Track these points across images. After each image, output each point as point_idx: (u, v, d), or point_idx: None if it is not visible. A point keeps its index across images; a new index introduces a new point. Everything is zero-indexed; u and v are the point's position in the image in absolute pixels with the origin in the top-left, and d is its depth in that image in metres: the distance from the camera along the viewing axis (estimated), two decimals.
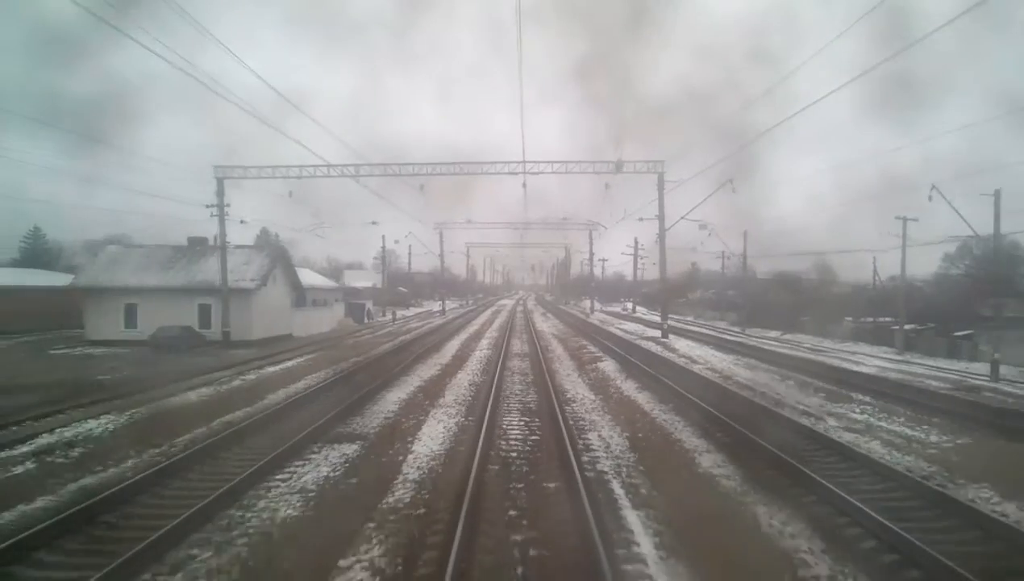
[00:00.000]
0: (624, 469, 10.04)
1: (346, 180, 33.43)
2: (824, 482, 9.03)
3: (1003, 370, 26.92)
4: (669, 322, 36.48)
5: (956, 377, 23.98)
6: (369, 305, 57.29)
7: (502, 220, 59.75)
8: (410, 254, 71.44)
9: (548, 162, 31.58)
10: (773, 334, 47.24)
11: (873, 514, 7.85)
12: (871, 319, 46.54)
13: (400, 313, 60.97)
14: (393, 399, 16.35)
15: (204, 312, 34.25)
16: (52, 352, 30.61)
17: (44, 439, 12.73)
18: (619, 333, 37.83)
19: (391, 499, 8.58)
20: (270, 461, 10.21)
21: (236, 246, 35.95)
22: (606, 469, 10.05)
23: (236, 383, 19.86)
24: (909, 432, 13.33)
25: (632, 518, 7.93)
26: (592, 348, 30.32)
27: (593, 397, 16.93)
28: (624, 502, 8.51)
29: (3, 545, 7.02)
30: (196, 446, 11.34)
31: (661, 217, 33.47)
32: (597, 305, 72.21)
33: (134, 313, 34.14)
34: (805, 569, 6.69)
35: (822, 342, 42.21)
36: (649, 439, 12.24)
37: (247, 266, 35.59)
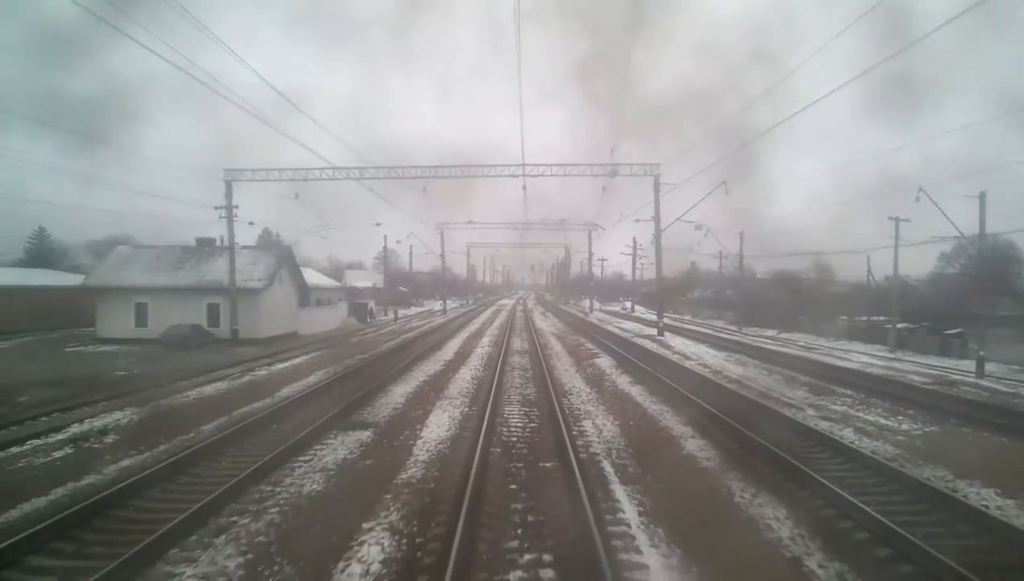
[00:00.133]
0: (614, 452, 11.03)
1: (347, 181, 34.44)
2: (793, 462, 9.99)
3: (991, 367, 27.86)
4: (668, 321, 37.46)
5: (939, 373, 24.91)
6: (371, 304, 58.27)
7: (502, 219, 60.87)
8: (411, 254, 72.41)
9: (547, 165, 32.56)
10: (770, 333, 48.19)
11: (835, 488, 8.81)
12: (865, 318, 47.48)
13: (402, 312, 61.92)
14: (400, 392, 17.33)
15: (213, 311, 35.21)
16: (67, 350, 31.58)
17: (75, 428, 13.67)
18: (617, 331, 38.80)
19: (404, 476, 9.56)
20: (291, 446, 11.17)
21: (243, 247, 36.95)
22: (598, 451, 11.03)
23: (248, 378, 20.82)
24: (882, 421, 14.29)
25: (620, 492, 8.91)
26: (590, 345, 31.30)
27: (589, 390, 17.90)
28: (613, 478, 9.49)
29: (64, 515, 7.98)
30: (222, 433, 12.31)
31: (657, 219, 34.42)
32: (596, 304, 73.21)
33: (144, 312, 35.11)
34: (769, 532, 7.66)
35: (817, 340, 43.13)
36: (639, 426, 13.23)
37: (254, 266, 36.58)
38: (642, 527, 7.67)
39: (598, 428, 12.93)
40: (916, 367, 27.73)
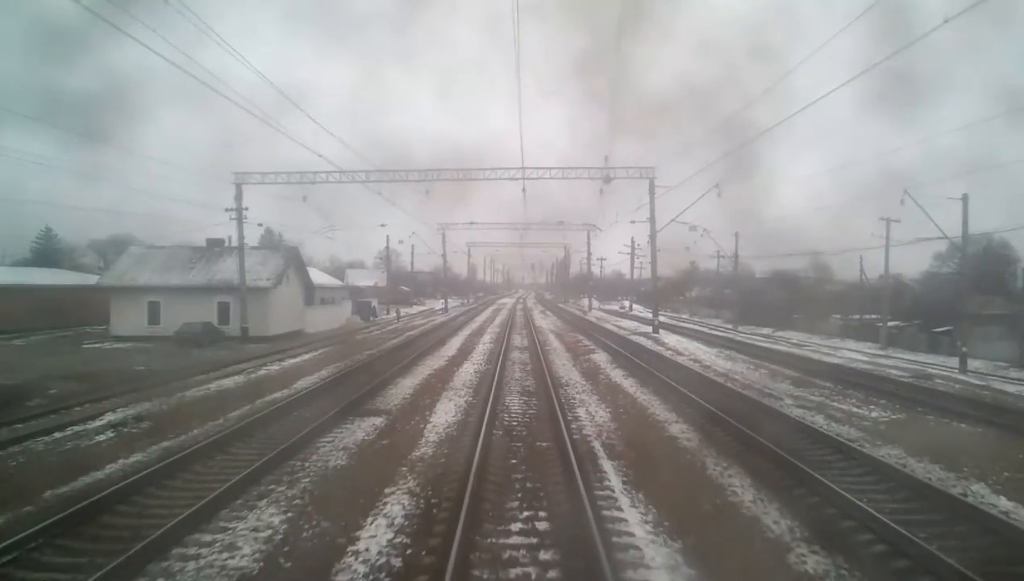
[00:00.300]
0: (604, 433, 12.28)
1: (347, 182, 35.64)
2: (764, 442, 11.20)
3: (976, 364, 28.99)
4: (665, 319, 38.67)
5: (919, 368, 26.15)
6: (374, 303, 59.54)
7: (502, 218, 62.21)
8: (413, 253, 73.72)
9: (546, 169, 33.82)
10: (765, 331, 49.37)
11: (798, 464, 10.02)
12: (858, 316, 48.68)
13: (404, 311, 63.18)
14: (408, 384, 18.57)
15: (223, 309, 36.43)
16: (83, 347, 32.81)
17: (110, 416, 14.85)
18: (614, 329, 40.05)
19: (417, 453, 10.82)
20: (313, 429, 12.37)
21: (252, 247, 38.17)
22: (589, 433, 12.28)
23: (263, 372, 22.07)
24: (854, 410, 15.52)
25: (607, 465, 10.15)
26: (587, 342, 32.54)
27: (584, 382, 19.15)
28: (602, 455, 10.74)
29: (128, 481, 9.21)
30: (249, 418, 13.53)
31: (652, 221, 35.65)
32: (595, 303, 74.50)
33: (157, 310, 36.32)
34: (733, 496, 8.90)
35: (810, 338, 44.27)
36: (629, 413, 14.48)
37: (263, 266, 37.83)
38: (625, 492, 8.90)
39: (591, 414, 14.17)
40: (901, 363, 28.88)
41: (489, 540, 7.22)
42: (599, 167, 34.32)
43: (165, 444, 12.03)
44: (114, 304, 36.78)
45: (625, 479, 9.47)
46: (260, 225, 37.31)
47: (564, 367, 22.79)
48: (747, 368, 23.17)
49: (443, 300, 71.22)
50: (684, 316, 70.11)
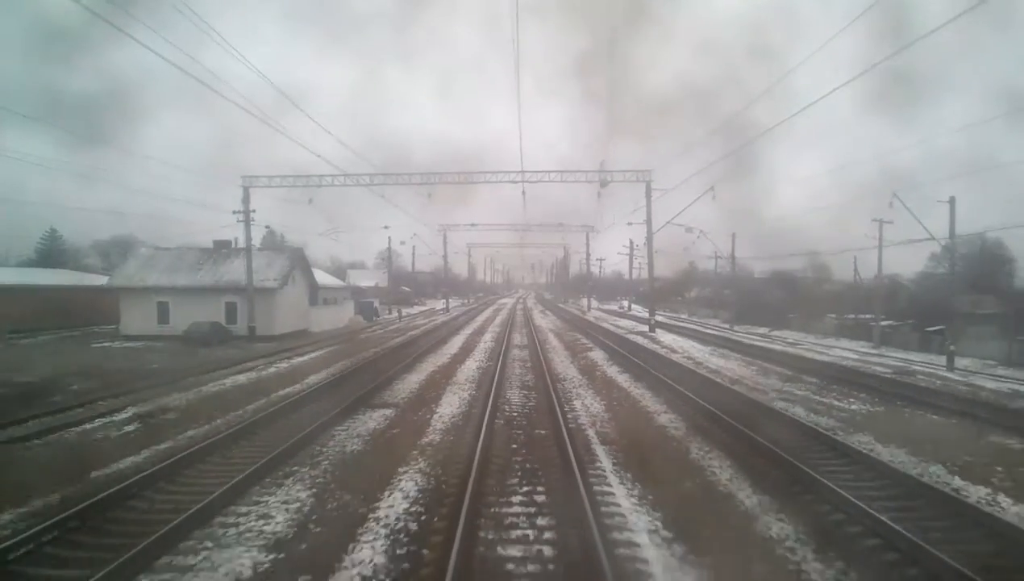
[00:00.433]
0: (598, 423, 13.26)
1: (352, 185, 36.66)
2: (744, 430, 12.16)
3: (966, 362, 29.82)
4: (663, 319, 39.64)
5: (904, 365, 27.09)
6: (376, 303, 60.53)
7: (502, 219, 63.36)
8: (414, 254, 74.73)
9: (545, 172, 34.77)
10: (761, 330, 50.26)
11: (774, 448, 10.98)
12: (853, 315, 49.62)
13: (405, 311, 64.17)
14: (414, 379, 19.55)
15: (230, 309, 37.43)
16: (94, 346, 33.76)
17: (133, 409, 15.76)
18: (611, 328, 41.03)
19: (426, 439, 11.80)
20: (328, 420, 13.33)
21: (258, 249, 39.17)
22: (584, 423, 13.26)
23: (274, 369, 23.03)
24: (834, 403, 16.48)
25: (599, 450, 11.13)
26: (585, 341, 33.51)
27: (581, 377, 20.13)
28: (595, 441, 11.72)
29: (164, 464, 10.17)
30: (267, 410, 14.49)
31: (649, 223, 36.63)
32: (594, 303, 75.51)
33: (166, 310, 37.30)
34: (712, 476, 9.87)
35: (805, 337, 45.15)
36: (622, 405, 15.46)
37: (269, 267, 38.82)
38: (614, 472, 9.87)
39: (586, 406, 15.15)
40: (889, 361, 29.68)
41: (493, 509, 8.20)
42: (596, 170, 35.30)
43: (190, 433, 12.97)
44: (124, 304, 37.72)
45: (615, 461, 10.44)
46: (267, 227, 38.36)
47: (562, 364, 23.76)
48: (738, 365, 24.13)
49: (444, 300, 72.20)
50: (683, 316, 71.08)
